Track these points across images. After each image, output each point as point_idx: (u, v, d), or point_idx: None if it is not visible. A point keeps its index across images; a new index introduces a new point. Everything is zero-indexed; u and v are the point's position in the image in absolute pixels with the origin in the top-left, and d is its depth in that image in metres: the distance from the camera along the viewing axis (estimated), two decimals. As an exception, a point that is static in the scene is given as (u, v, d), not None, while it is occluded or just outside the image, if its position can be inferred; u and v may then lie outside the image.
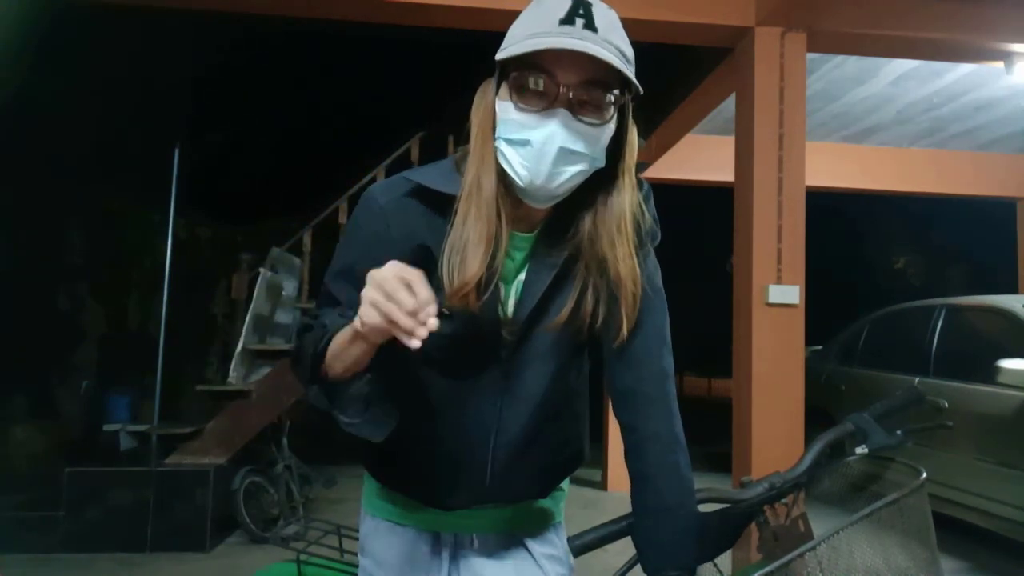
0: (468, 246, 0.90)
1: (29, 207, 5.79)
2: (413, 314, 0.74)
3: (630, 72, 0.87)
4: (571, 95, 0.86)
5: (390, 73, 7.98)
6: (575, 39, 0.83)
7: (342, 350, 0.88)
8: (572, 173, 0.89)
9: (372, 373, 0.90)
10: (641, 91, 0.89)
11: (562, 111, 0.86)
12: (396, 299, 0.74)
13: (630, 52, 0.89)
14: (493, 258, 0.92)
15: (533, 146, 0.87)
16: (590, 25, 0.85)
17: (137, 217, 7.05)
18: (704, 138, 5.44)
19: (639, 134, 0.98)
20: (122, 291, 7.36)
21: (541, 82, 0.86)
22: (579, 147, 0.88)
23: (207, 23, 4.71)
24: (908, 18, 3.20)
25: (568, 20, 0.85)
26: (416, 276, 0.76)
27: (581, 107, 0.87)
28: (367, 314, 0.77)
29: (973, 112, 4.87)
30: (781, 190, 3.13)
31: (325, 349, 0.90)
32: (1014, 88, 4.35)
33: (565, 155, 0.87)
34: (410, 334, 0.75)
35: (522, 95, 0.88)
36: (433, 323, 0.75)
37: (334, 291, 0.99)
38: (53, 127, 5.87)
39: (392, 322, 0.75)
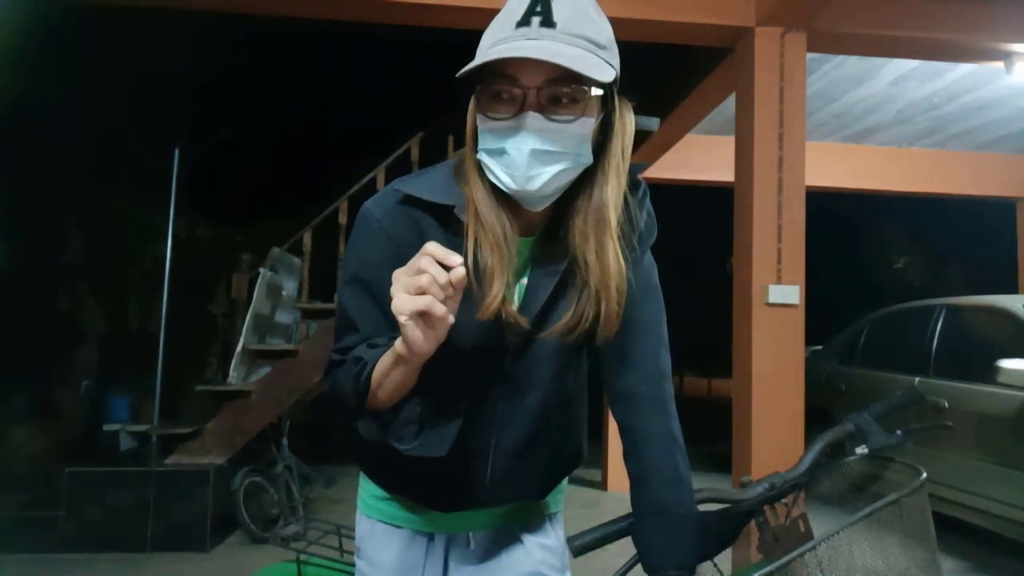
0: (486, 264, 0.90)
1: (29, 207, 5.78)
2: (443, 273, 0.76)
3: (602, 58, 0.86)
4: (539, 96, 0.84)
5: (390, 73, 7.98)
6: (531, 40, 0.82)
7: (384, 377, 0.87)
8: (553, 173, 0.87)
9: (418, 396, 0.90)
10: (613, 76, 0.87)
11: (531, 114, 0.84)
12: (422, 270, 0.76)
13: (603, 36, 0.87)
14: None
15: (509, 153, 0.86)
16: (547, 22, 0.83)
17: (137, 217, 7.04)
18: (704, 138, 5.43)
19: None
20: (122, 291, 7.35)
21: (506, 89, 0.85)
22: (554, 147, 0.85)
23: (207, 23, 4.70)
24: (908, 18, 3.20)
25: (524, 21, 0.84)
26: (432, 245, 0.77)
27: (552, 106, 0.85)
28: (401, 303, 0.76)
29: (973, 112, 4.87)
30: (781, 190, 3.13)
31: (368, 380, 0.89)
32: (1014, 88, 4.35)
33: (540, 156, 0.85)
34: (445, 294, 0.76)
35: (491, 105, 0.87)
36: (461, 271, 0.76)
37: (346, 303, 0.98)
38: (53, 127, 5.86)
39: (424, 290, 0.75)
